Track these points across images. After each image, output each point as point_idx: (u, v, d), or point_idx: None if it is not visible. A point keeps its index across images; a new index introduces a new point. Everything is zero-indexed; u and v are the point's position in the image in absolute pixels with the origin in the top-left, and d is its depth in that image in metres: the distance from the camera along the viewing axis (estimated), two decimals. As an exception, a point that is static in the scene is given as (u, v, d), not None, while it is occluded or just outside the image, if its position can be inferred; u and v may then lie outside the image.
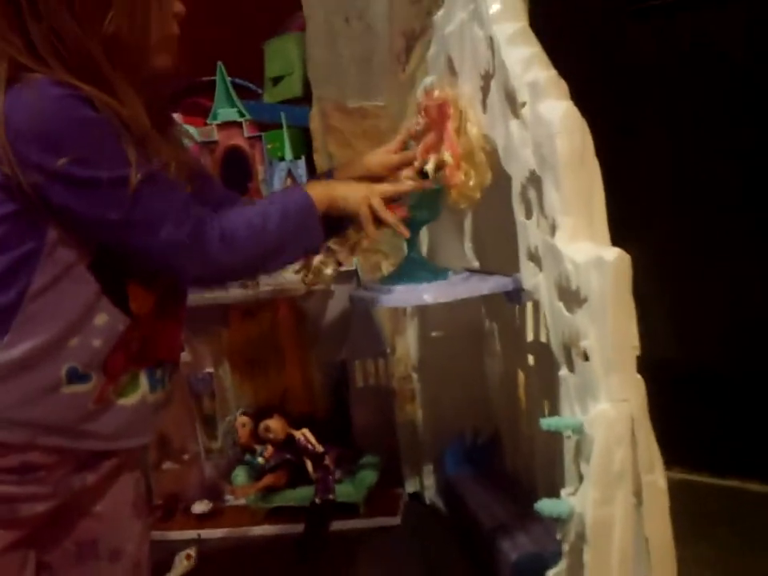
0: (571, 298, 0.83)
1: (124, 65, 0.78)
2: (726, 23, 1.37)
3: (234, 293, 1.38)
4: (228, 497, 1.46)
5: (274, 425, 1.36)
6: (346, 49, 1.87)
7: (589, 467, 0.77)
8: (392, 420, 1.43)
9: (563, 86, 0.91)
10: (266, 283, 1.40)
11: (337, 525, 1.34)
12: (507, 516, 1.12)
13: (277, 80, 2.33)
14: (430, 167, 1.10)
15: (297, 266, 1.19)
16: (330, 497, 1.31)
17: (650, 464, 0.79)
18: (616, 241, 0.86)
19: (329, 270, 1.18)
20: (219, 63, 1.35)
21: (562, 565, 0.81)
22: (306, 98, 2.09)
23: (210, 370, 1.50)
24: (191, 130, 2.11)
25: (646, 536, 0.79)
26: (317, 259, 1.17)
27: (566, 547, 0.80)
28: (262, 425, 1.37)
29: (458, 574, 1.17)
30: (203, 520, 1.43)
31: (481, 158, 1.03)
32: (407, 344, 1.54)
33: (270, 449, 1.35)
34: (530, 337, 1.19)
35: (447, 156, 1.04)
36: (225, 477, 1.47)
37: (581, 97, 0.90)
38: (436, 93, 1.08)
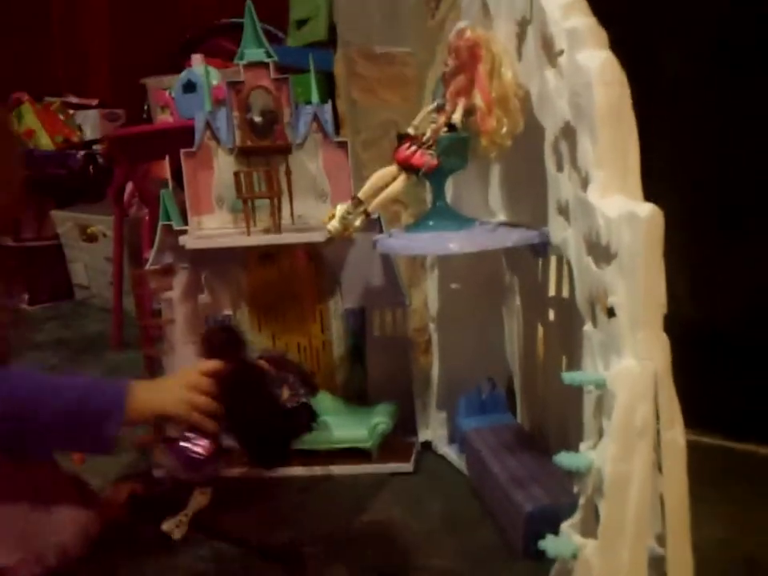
0: (600, 253, 0.82)
1: None
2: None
3: (255, 238, 1.37)
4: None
5: None
6: (373, -8, 1.83)
7: (610, 423, 0.77)
8: (408, 370, 1.44)
9: (603, 34, 0.88)
10: (287, 228, 1.39)
11: (349, 469, 1.37)
12: (521, 468, 1.13)
13: (301, 23, 2.30)
14: (457, 117, 1.08)
15: (325, 217, 1.18)
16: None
17: (671, 421, 0.79)
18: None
19: (357, 222, 1.16)
20: (249, 2, 1.32)
21: (577, 517, 0.82)
22: (330, 42, 2.06)
23: (228, 312, 1.50)
24: (212, 72, 2.09)
25: (661, 492, 0.80)
26: (342, 209, 1.16)
27: (581, 500, 0.81)
28: None
29: (473, 517, 1.19)
30: (217, 459, 1.45)
31: (515, 104, 1.01)
32: (423, 296, 1.54)
33: (286, 392, 1.36)
34: (551, 291, 1.18)
35: (479, 100, 1.02)
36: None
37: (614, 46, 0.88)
38: (467, 33, 1.05)
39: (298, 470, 1.38)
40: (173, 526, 1.20)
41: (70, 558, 1.01)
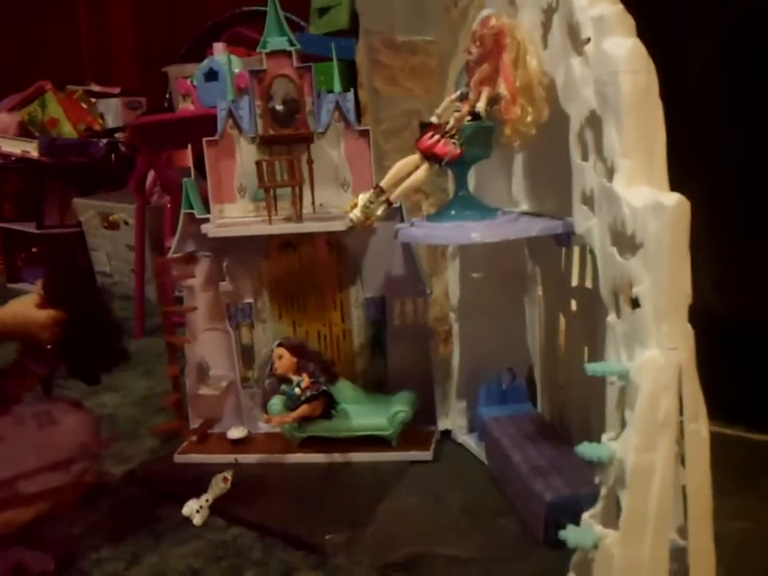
0: (626, 243, 0.82)
1: None
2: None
3: (276, 226, 1.38)
4: (262, 425, 1.49)
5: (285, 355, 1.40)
6: (396, -20, 1.82)
7: (633, 414, 0.77)
8: (428, 359, 1.44)
9: (630, 22, 0.87)
10: (308, 217, 1.40)
11: (369, 457, 1.37)
12: (541, 458, 1.13)
13: (323, 11, 2.29)
14: (481, 105, 1.07)
15: (347, 206, 1.18)
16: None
17: (695, 413, 0.79)
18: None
19: (379, 211, 1.16)
20: (272, -10, 1.32)
21: (598, 508, 0.82)
22: (352, 31, 2.05)
23: (249, 300, 1.51)
24: (234, 60, 2.09)
25: (684, 484, 0.79)
26: (364, 199, 1.16)
27: (603, 491, 0.81)
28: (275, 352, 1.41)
29: (493, 506, 1.19)
30: (238, 446, 1.47)
31: (539, 92, 1.00)
32: (443, 285, 1.54)
33: (306, 380, 1.37)
34: (574, 281, 1.18)
35: (503, 89, 1.02)
36: (260, 405, 1.49)
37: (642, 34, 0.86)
38: (492, 21, 1.05)
39: (318, 457, 1.39)
40: (193, 511, 1.22)
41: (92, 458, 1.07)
